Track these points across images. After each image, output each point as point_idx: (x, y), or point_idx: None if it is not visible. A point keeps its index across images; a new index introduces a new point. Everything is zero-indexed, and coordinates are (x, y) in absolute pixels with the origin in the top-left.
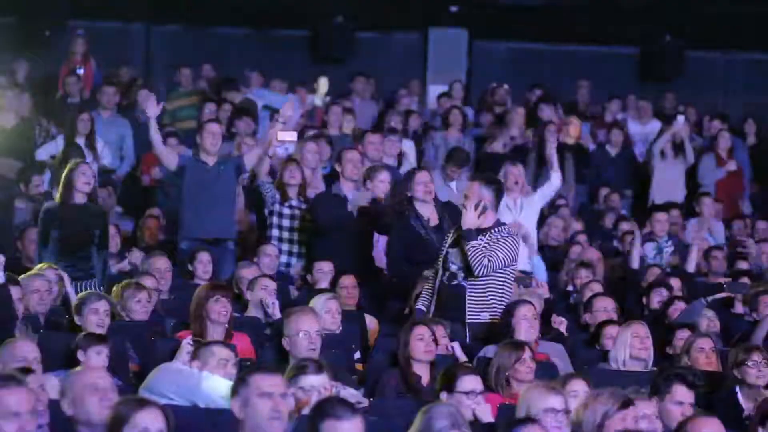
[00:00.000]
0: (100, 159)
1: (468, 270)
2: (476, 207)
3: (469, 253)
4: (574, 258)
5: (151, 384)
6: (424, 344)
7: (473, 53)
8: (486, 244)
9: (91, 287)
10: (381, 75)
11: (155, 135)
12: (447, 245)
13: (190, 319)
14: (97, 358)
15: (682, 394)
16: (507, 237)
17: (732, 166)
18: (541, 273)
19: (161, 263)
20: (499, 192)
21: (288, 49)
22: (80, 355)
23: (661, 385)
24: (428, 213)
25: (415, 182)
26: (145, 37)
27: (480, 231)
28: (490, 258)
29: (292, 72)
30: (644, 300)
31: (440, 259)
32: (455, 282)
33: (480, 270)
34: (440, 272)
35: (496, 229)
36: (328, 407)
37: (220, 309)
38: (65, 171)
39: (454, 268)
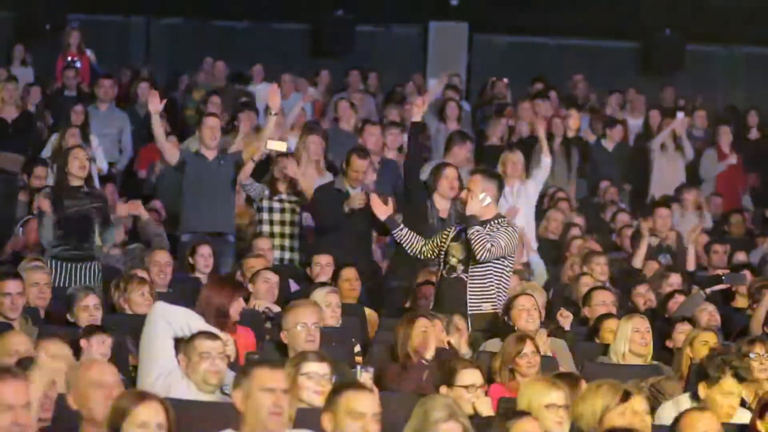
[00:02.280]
0: (95, 160)
1: (469, 260)
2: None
3: (473, 238)
4: (575, 252)
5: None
6: (428, 338)
7: (473, 47)
8: (488, 233)
9: (92, 270)
10: (381, 68)
11: (158, 129)
12: (449, 239)
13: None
14: (100, 347)
15: (730, 386)
16: (507, 227)
17: (732, 159)
18: (539, 271)
19: (161, 257)
20: (500, 185)
21: (288, 43)
22: (83, 343)
23: (711, 373)
24: (442, 205)
25: (441, 176)
26: (146, 30)
27: (482, 222)
28: (493, 243)
29: (293, 65)
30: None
31: (441, 253)
32: (454, 275)
33: (483, 254)
34: (441, 266)
35: (496, 221)
36: (347, 383)
37: (238, 309)
38: (62, 156)
39: (453, 261)
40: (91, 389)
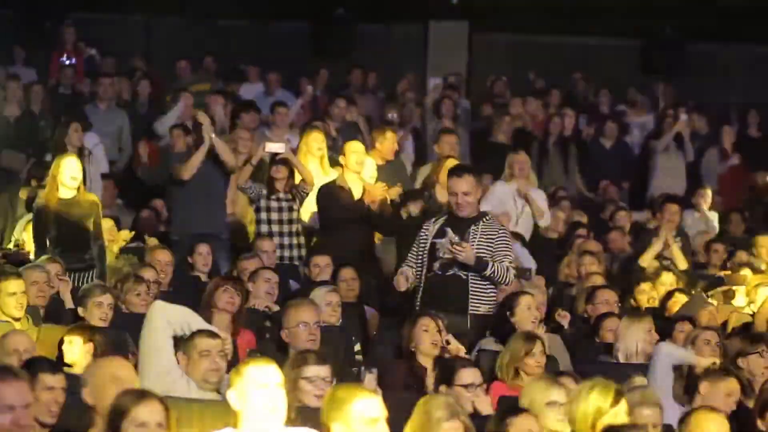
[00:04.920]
0: (93, 162)
1: (465, 266)
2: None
3: (495, 276)
4: (575, 250)
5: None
6: (430, 336)
7: (473, 45)
8: (486, 248)
9: (90, 279)
10: (381, 67)
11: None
12: (432, 236)
13: (200, 310)
14: (81, 348)
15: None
16: (500, 232)
17: (735, 160)
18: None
19: (163, 256)
20: (477, 177)
21: (288, 42)
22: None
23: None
24: (444, 197)
25: (443, 167)
26: (145, 29)
27: (470, 221)
28: (508, 267)
29: (293, 64)
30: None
31: (425, 251)
32: (451, 272)
33: (510, 280)
34: (425, 263)
35: (484, 221)
36: (353, 389)
37: (227, 298)
38: (52, 167)
39: (447, 258)
40: (108, 384)
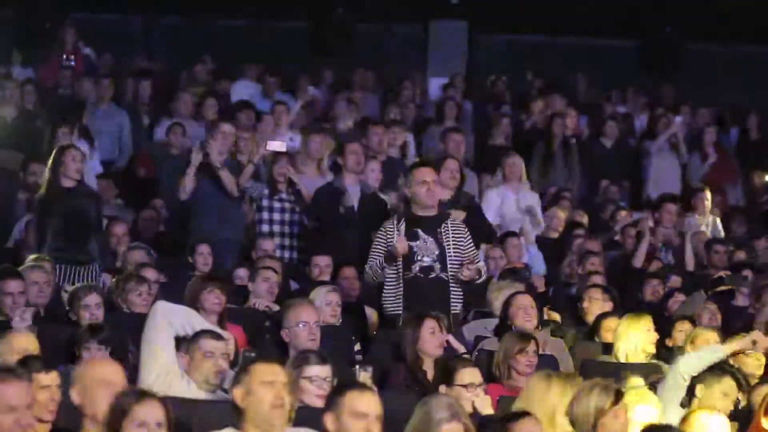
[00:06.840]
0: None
1: (444, 259)
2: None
3: (480, 277)
4: (575, 250)
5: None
6: (436, 338)
7: (473, 45)
8: (458, 248)
9: (92, 272)
10: (382, 67)
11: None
12: (401, 237)
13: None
14: (95, 353)
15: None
16: (466, 231)
17: (712, 158)
18: (538, 265)
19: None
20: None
21: (288, 41)
22: (77, 350)
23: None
24: (442, 195)
25: (443, 167)
26: (145, 29)
27: (435, 222)
28: (484, 265)
29: (292, 64)
30: (641, 292)
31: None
32: (433, 275)
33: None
34: (401, 266)
35: (451, 222)
36: (349, 383)
37: (213, 299)
38: (53, 155)
39: (428, 260)
40: (96, 387)
